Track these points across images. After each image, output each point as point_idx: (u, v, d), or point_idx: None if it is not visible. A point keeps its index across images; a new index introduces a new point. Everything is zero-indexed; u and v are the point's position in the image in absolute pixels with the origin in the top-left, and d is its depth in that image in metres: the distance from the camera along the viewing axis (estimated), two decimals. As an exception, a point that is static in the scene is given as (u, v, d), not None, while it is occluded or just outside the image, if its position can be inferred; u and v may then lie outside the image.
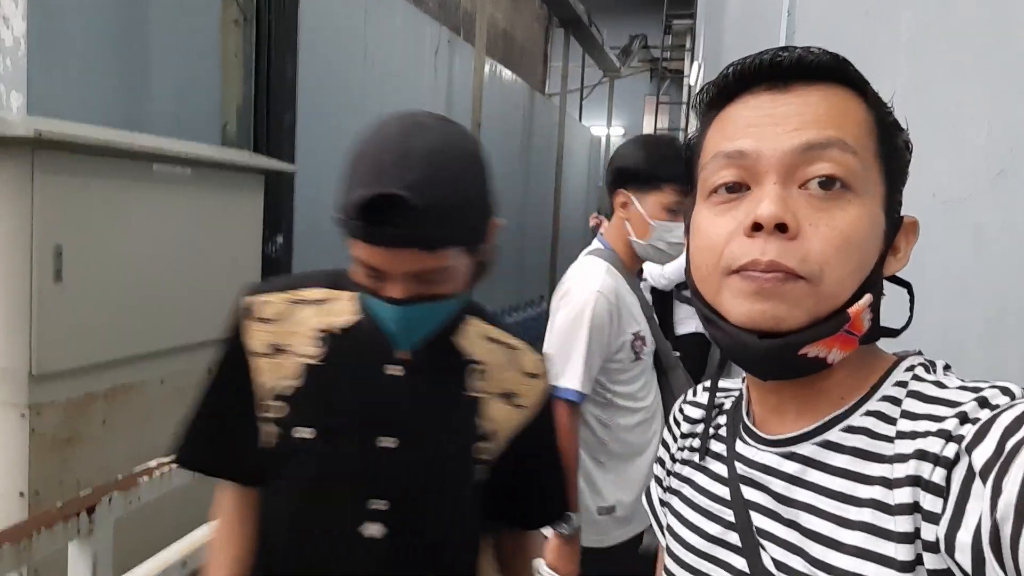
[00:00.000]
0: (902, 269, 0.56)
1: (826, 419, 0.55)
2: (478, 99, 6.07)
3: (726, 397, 0.69)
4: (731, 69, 0.56)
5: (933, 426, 0.48)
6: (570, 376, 1.53)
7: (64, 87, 2.60)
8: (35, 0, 2.44)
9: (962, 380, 0.52)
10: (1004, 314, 0.74)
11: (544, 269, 9.30)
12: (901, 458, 0.49)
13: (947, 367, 0.55)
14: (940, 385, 0.52)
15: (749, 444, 0.60)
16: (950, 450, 0.46)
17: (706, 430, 0.67)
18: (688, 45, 13.34)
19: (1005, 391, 0.48)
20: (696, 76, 9.74)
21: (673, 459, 0.72)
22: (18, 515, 2.06)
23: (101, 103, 2.75)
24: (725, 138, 0.55)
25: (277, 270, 3.61)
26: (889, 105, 0.56)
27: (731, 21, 5.27)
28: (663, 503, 0.72)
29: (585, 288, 1.55)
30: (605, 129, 13.53)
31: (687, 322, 3.36)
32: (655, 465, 0.77)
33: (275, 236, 3.61)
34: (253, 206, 2.99)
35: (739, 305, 0.52)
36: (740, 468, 0.60)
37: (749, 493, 0.58)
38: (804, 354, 0.51)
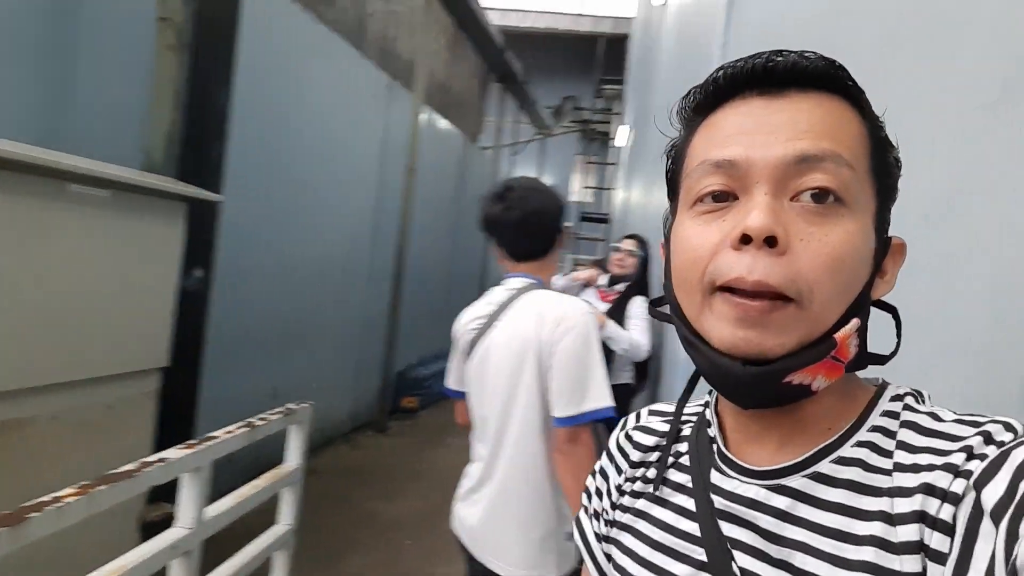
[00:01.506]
0: (889, 293, 0.53)
1: (815, 449, 0.51)
2: (413, 145, 6.11)
3: (683, 423, 0.64)
4: (721, 72, 0.53)
5: (938, 459, 0.46)
6: (599, 394, 1.54)
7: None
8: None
9: (955, 412, 0.50)
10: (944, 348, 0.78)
11: (470, 318, 9.28)
12: (903, 492, 0.46)
13: (929, 396, 0.54)
14: (936, 417, 0.50)
15: (730, 476, 0.55)
16: (958, 485, 0.44)
17: (664, 458, 0.62)
18: (617, 110, 13.94)
19: (1008, 427, 0.46)
20: (626, 139, 10.15)
21: (620, 491, 0.65)
22: None
23: (22, 119, 2.62)
24: (714, 145, 0.52)
25: (194, 305, 3.47)
26: (881, 120, 0.53)
27: (660, 86, 5.55)
28: (605, 539, 0.67)
29: (578, 310, 1.60)
30: (535, 184, 13.82)
31: (619, 373, 3.39)
32: (588, 498, 0.70)
33: (194, 269, 3.47)
34: (173, 235, 2.88)
35: (722, 329, 0.49)
36: (719, 502, 0.55)
37: (731, 530, 0.53)
38: (788, 381, 0.48)
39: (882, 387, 0.54)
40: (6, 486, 2.17)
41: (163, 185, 2.73)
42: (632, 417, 0.70)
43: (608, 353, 3.32)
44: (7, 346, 2.14)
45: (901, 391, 0.53)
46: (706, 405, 0.63)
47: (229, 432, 1.90)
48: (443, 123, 7.80)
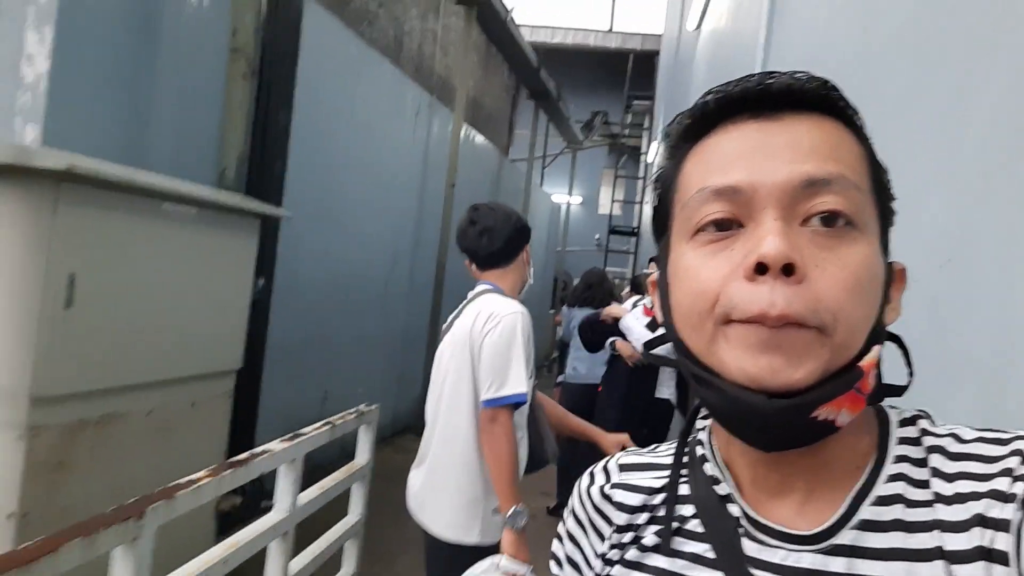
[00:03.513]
0: (895, 320, 0.51)
1: (853, 494, 0.47)
2: (454, 162, 6.33)
3: (680, 478, 0.56)
4: (711, 97, 0.50)
5: (981, 486, 0.44)
6: (516, 382, 1.82)
7: (75, 122, 2.71)
8: (61, 41, 2.57)
9: (970, 428, 0.49)
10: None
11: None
12: (956, 527, 0.43)
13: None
14: (959, 439, 0.48)
15: (771, 545, 0.48)
16: (1009, 512, 0.42)
17: (668, 523, 0.54)
18: (646, 124, 14.09)
19: None
20: (655, 155, 10.30)
21: (606, 560, 0.57)
22: (4, 537, 2.06)
23: (107, 139, 2.87)
24: (711, 171, 0.49)
25: (258, 312, 3.70)
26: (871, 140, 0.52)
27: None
28: None
29: (508, 309, 1.89)
30: (565, 196, 14.05)
31: (660, 387, 3.53)
32: (559, 565, 0.63)
33: (258, 279, 3.71)
34: (248, 248, 3.11)
35: (740, 359, 0.44)
36: None
37: None
38: (815, 417, 0.44)
39: (881, 411, 0.52)
40: (110, 472, 2.40)
41: (241, 203, 2.97)
42: (599, 473, 0.61)
43: (654, 369, 3.46)
44: (109, 348, 2.37)
45: (907, 414, 0.51)
46: (701, 459, 0.56)
47: (316, 429, 2.10)
48: (479, 138, 8.04)
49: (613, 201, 13.67)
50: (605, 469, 0.61)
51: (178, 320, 2.68)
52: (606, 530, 0.58)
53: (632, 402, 3.43)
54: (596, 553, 0.58)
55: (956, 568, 0.42)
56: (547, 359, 10.80)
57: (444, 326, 2.07)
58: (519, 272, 2.07)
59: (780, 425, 0.45)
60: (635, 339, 3.37)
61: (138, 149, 3.00)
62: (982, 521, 0.42)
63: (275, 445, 1.84)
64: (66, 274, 2.15)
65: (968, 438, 0.47)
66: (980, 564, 0.42)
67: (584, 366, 4.69)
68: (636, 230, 12.87)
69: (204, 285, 2.82)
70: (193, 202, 2.67)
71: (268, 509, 3.76)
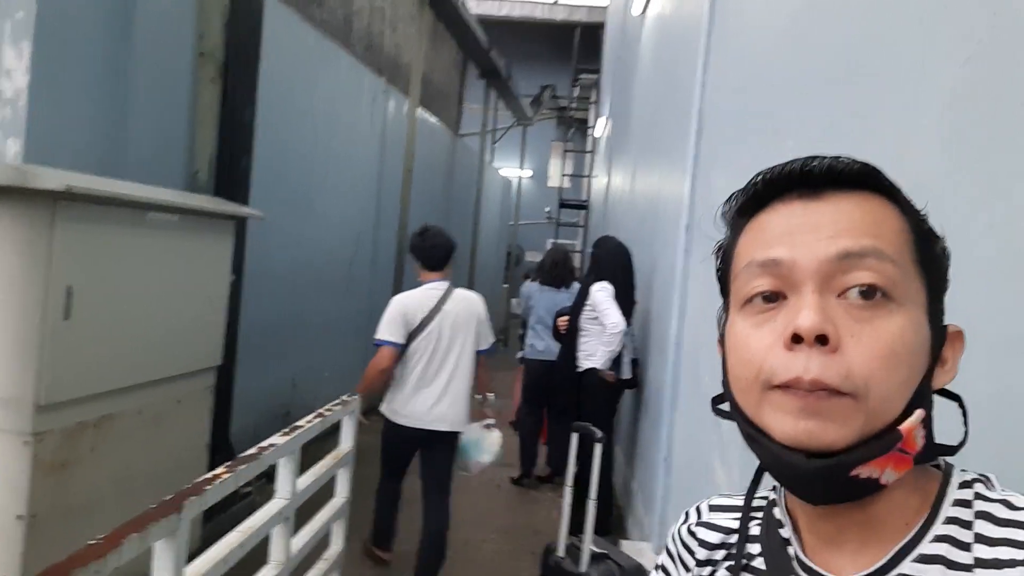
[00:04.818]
0: (951, 382, 0.54)
1: (896, 549, 0.51)
2: (410, 146, 6.47)
3: (751, 520, 0.63)
4: (760, 177, 0.55)
5: (1019, 554, 0.46)
6: (493, 338, 3.38)
7: (55, 134, 2.80)
8: (38, 56, 2.65)
9: None
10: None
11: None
12: None
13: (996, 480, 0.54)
14: (1009, 505, 0.50)
15: None
16: None
17: (738, 560, 0.60)
18: (593, 98, 14.31)
19: None
20: (603, 130, 10.57)
21: None
22: (15, 538, 2.23)
23: (84, 149, 2.96)
24: (758, 246, 0.54)
25: (230, 306, 3.84)
26: (923, 212, 0.55)
27: (642, 84, 5.95)
28: None
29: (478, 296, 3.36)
30: (516, 170, 14.23)
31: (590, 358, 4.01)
32: None
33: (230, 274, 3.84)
34: (225, 249, 3.25)
35: (783, 422, 0.49)
36: None
37: None
38: (856, 475, 0.48)
39: (947, 473, 0.54)
40: (108, 469, 2.57)
41: (218, 207, 3.10)
42: (693, 512, 0.69)
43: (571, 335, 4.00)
44: (104, 354, 2.51)
45: (968, 477, 0.53)
46: (772, 503, 0.62)
47: (309, 422, 2.31)
48: (432, 119, 8.15)
49: (563, 175, 13.92)
50: (698, 508, 0.68)
51: (164, 322, 2.83)
52: (691, 562, 0.65)
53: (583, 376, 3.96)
54: None
55: None
56: (501, 332, 11.13)
57: (429, 306, 3.11)
58: (449, 273, 3.25)
59: (821, 482, 0.49)
60: (610, 320, 3.82)
61: (114, 156, 3.09)
62: None
63: (278, 439, 2.05)
64: (64, 287, 2.29)
65: (1019, 505, 0.50)
66: None
67: (541, 343, 4.98)
68: (585, 203, 13.16)
69: (186, 287, 2.97)
70: (174, 210, 2.80)
71: (247, 496, 3.95)
